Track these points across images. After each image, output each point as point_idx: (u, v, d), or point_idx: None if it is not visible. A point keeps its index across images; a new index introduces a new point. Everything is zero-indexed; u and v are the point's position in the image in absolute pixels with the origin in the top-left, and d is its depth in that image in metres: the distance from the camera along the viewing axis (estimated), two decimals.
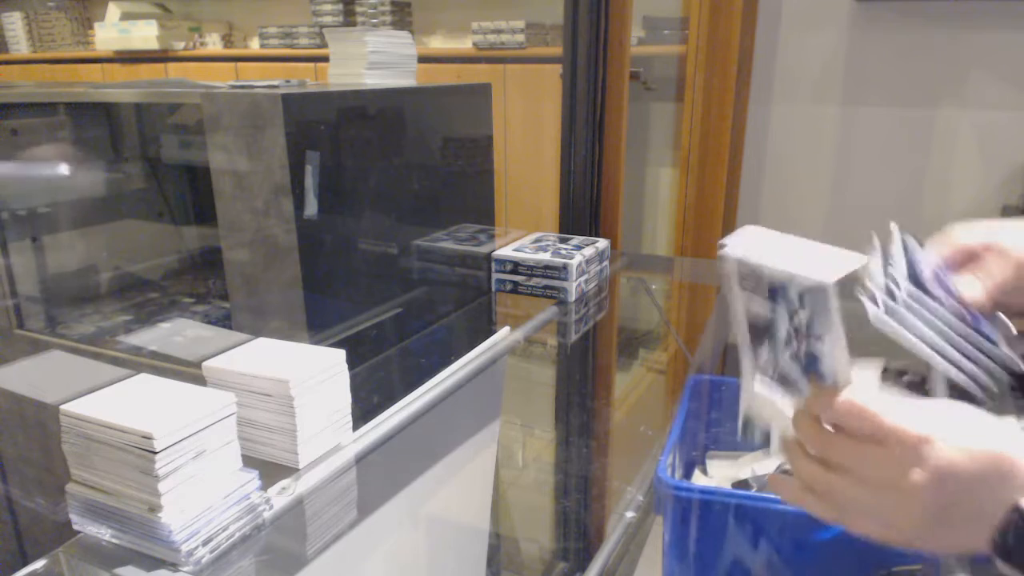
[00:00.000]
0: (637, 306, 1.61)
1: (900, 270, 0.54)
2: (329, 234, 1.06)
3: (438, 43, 3.35)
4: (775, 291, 0.47)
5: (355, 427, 0.81)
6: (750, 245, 0.48)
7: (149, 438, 0.57)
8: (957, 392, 0.52)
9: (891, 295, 0.53)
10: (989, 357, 0.53)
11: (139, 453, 0.58)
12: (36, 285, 1.41)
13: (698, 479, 0.94)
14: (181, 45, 3.62)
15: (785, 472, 0.86)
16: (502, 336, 1.14)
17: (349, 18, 3.27)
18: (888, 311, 0.52)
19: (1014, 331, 0.56)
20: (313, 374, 0.73)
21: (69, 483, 0.63)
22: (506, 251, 1.38)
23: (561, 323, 1.31)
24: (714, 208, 2.17)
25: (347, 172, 1.09)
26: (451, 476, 0.94)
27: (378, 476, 0.81)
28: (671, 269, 1.90)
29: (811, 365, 0.47)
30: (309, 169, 1.00)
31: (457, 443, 0.97)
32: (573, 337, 1.30)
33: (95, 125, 1.54)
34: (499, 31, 2.82)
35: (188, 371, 1.11)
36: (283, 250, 1.01)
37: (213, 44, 3.72)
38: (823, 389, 0.48)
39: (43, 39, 4.20)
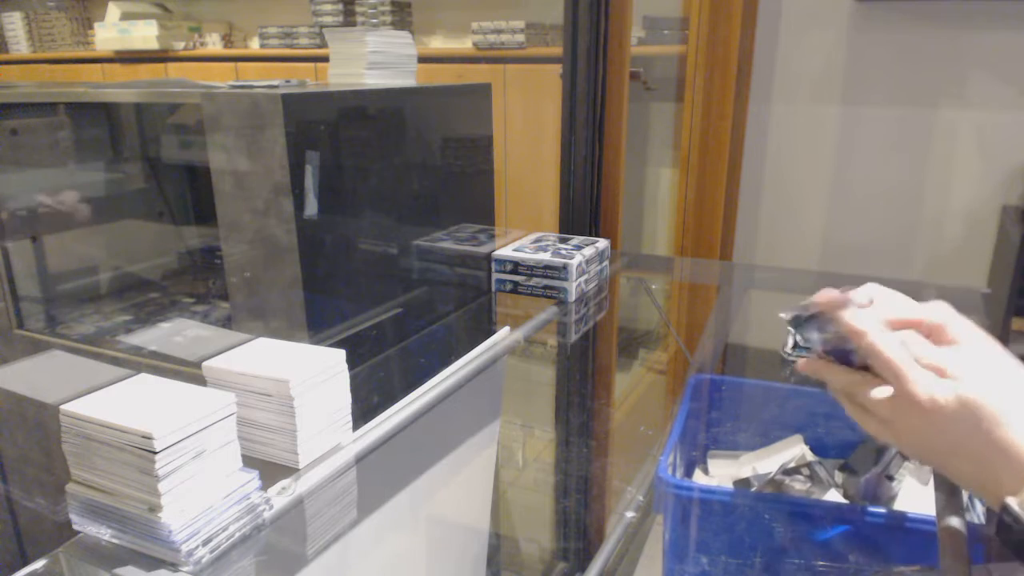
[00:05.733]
0: (637, 306, 1.61)
1: None
2: (329, 234, 1.06)
3: (438, 43, 3.35)
4: None
5: (355, 427, 0.81)
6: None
7: (149, 438, 0.57)
8: None
9: None
10: None
11: (139, 453, 0.58)
12: (36, 285, 1.41)
13: (699, 478, 0.94)
14: (181, 45, 3.62)
15: (787, 473, 0.86)
16: (502, 336, 1.14)
17: (349, 18, 3.27)
18: None
19: None
20: (313, 374, 0.73)
21: (69, 483, 0.63)
22: (506, 251, 1.38)
23: (561, 323, 1.31)
24: (714, 208, 2.17)
25: (347, 172, 1.09)
26: (451, 476, 0.94)
27: (378, 476, 0.81)
28: (671, 269, 1.90)
29: None
30: (309, 169, 1.00)
31: (457, 443, 0.97)
32: (573, 337, 1.30)
33: (95, 125, 1.54)
34: (499, 31, 2.82)
35: (188, 371, 1.11)
36: (283, 250, 1.01)
37: (213, 44, 3.72)
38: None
39: (43, 39, 4.20)
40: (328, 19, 3.26)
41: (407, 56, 1.37)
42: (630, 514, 0.81)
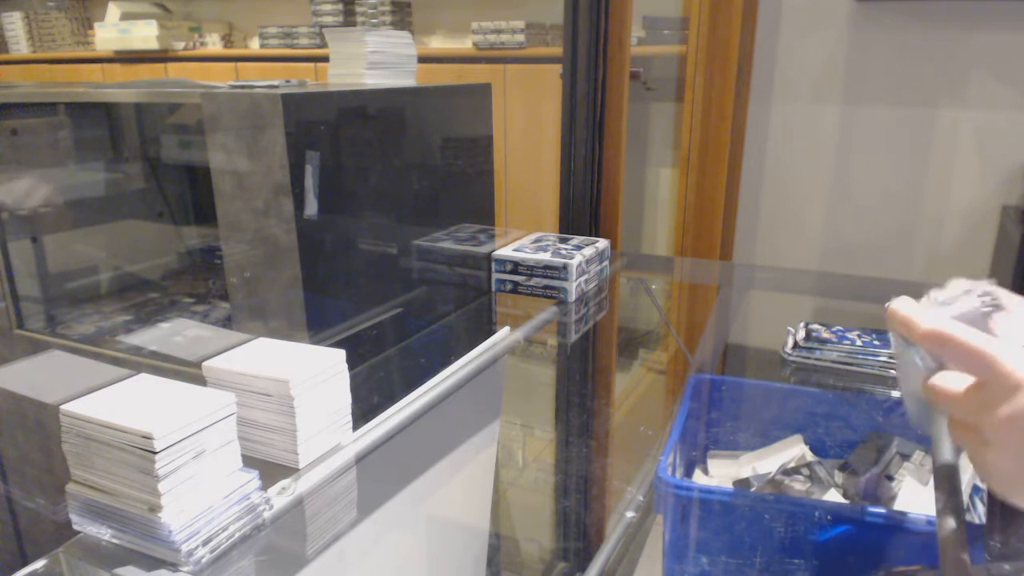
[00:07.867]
0: (637, 306, 1.61)
1: None
2: (329, 234, 1.06)
3: (438, 43, 3.35)
4: None
5: (355, 427, 0.81)
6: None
7: (149, 438, 0.57)
8: None
9: None
10: None
11: (139, 453, 0.58)
12: (36, 285, 1.41)
13: (699, 478, 0.94)
14: (181, 45, 3.62)
15: (787, 473, 0.86)
16: (502, 336, 1.14)
17: (349, 18, 3.27)
18: None
19: None
20: (313, 374, 0.73)
21: (69, 483, 0.63)
22: (506, 251, 1.38)
23: (561, 323, 1.31)
24: (714, 208, 2.17)
25: (347, 172, 1.09)
26: (451, 476, 0.94)
27: (378, 476, 0.81)
28: (671, 269, 1.90)
29: None
30: (309, 169, 1.00)
31: (457, 443, 0.97)
32: (573, 337, 1.30)
33: (95, 125, 1.54)
34: (499, 31, 2.82)
35: (188, 371, 1.11)
36: (283, 250, 1.01)
37: (213, 44, 3.72)
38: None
39: (43, 39, 4.20)
40: (328, 19, 3.26)
41: (407, 56, 1.37)
42: (630, 514, 0.81)
